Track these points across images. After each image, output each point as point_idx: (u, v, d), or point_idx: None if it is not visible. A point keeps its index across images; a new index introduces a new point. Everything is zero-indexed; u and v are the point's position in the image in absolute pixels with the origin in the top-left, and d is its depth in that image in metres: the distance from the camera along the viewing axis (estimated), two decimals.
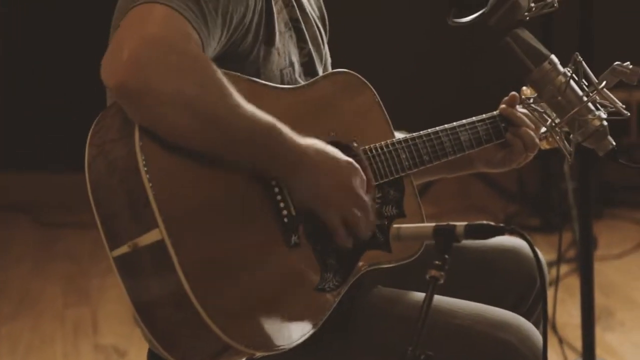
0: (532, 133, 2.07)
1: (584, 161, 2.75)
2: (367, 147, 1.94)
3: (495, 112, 2.10)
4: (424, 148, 2.00)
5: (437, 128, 2.03)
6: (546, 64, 1.80)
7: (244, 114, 1.73)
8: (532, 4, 1.81)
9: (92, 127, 1.76)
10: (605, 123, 1.80)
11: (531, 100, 1.96)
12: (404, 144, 1.98)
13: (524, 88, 2.06)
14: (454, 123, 2.06)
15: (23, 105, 4.73)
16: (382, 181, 1.94)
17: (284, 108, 1.85)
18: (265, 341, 1.75)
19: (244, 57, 1.85)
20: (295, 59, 1.96)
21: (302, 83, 1.94)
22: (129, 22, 1.70)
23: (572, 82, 1.80)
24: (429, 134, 2.02)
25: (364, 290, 1.95)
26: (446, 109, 2.34)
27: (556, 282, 3.14)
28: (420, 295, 1.90)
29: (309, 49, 2.00)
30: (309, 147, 1.79)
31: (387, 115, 2.00)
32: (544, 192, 4.24)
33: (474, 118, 2.08)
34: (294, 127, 1.79)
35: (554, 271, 3.29)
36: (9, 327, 3.66)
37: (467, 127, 2.06)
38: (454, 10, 1.85)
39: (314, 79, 1.95)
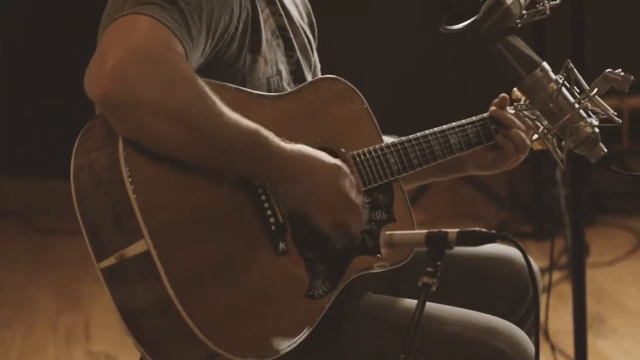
0: (522, 134, 2.07)
1: (576, 168, 2.75)
2: (355, 152, 1.94)
3: (485, 114, 2.10)
4: (413, 152, 2.00)
5: (426, 132, 2.03)
6: (538, 71, 1.80)
7: (227, 122, 1.73)
8: (524, 11, 1.82)
9: (79, 137, 1.77)
10: (597, 130, 1.81)
11: (521, 102, 1.96)
12: (392, 149, 1.98)
13: (515, 90, 2.07)
14: (444, 126, 2.05)
15: (14, 111, 4.72)
16: (371, 186, 1.94)
17: (271, 116, 1.85)
18: (254, 349, 1.75)
19: (230, 65, 1.85)
20: (283, 67, 1.96)
21: (289, 90, 1.94)
22: (112, 34, 1.70)
23: (563, 89, 1.81)
24: (418, 138, 2.02)
25: (354, 297, 1.95)
26: (438, 114, 2.35)
27: (548, 289, 3.14)
28: (411, 302, 1.91)
29: (297, 57, 1.99)
30: (294, 151, 1.79)
31: (376, 121, 2.00)
32: (536, 198, 4.24)
33: (463, 121, 2.08)
34: (281, 135, 1.79)
35: (546, 278, 3.29)
36: (1, 334, 3.65)
37: (457, 129, 2.06)
38: (446, 17, 1.85)
39: (301, 85, 1.95)
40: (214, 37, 1.78)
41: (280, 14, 1.97)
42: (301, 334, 1.80)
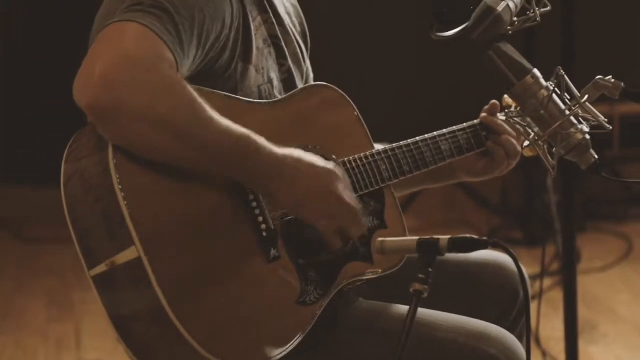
0: (513, 140, 2.07)
1: (567, 175, 2.76)
2: (346, 159, 1.94)
3: (476, 121, 2.11)
4: (404, 159, 2.00)
5: (417, 138, 2.03)
6: (529, 78, 1.81)
7: (217, 128, 1.73)
8: (515, 18, 1.82)
9: (69, 145, 1.77)
10: (587, 137, 1.81)
11: (512, 109, 1.97)
12: (383, 155, 1.98)
13: (505, 96, 2.07)
14: (435, 133, 2.06)
15: (3, 119, 4.71)
16: (362, 193, 1.94)
17: (261, 122, 1.85)
18: (246, 356, 1.75)
19: (221, 73, 1.85)
20: (274, 75, 1.96)
21: (279, 97, 1.94)
22: (102, 41, 1.70)
23: (554, 96, 1.81)
24: (408, 144, 2.02)
25: (346, 303, 1.95)
26: (430, 120, 2.35)
27: (539, 295, 3.14)
28: (403, 308, 1.91)
29: (289, 65, 1.99)
30: (286, 156, 1.79)
31: (367, 129, 2.00)
32: (527, 205, 4.25)
33: (454, 127, 2.08)
34: (271, 141, 1.79)
35: (537, 284, 3.30)
36: None
37: (448, 136, 2.06)
38: (437, 24, 1.86)
39: (292, 92, 1.95)
40: (205, 46, 1.78)
41: (272, 22, 1.97)
42: (293, 341, 1.80)
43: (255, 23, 1.92)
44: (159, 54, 1.69)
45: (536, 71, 1.82)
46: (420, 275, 1.64)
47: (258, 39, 1.92)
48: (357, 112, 1.99)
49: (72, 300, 3.94)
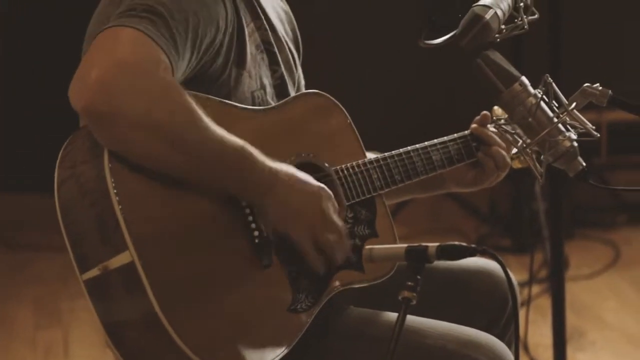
0: (503, 152, 2.08)
1: (554, 182, 2.76)
2: (338, 167, 1.94)
3: (466, 132, 2.11)
4: (395, 168, 2.01)
5: (408, 148, 2.04)
6: (517, 86, 1.81)
7: (212, 137, 1.73)
8: (503, 26, 1.83)
9: (62, 149, 1.76)
10: (575, 144, 1.81)
11: (502, 121, 1.97)
12: (375, 164, 1.99)
13: (495, 107, 2.07)
14: (426, 143, 2.06)
15: None
16: (353, 201, 1.95)
17: (255, 129, 1.85)
18: None
19: (215, 79, 1.85)
20: (267, 81, 1.96)
21: (273, 104, 1.94)
22: (98, 46, 1.70)
23: (542, 103, 1.81)
24: (400, 154, 2.02)
25: (337, 310, 1.95)
26: (423, 128, 2.36)
27: (527, 302, 3.14)
28: (393, 316, 1.91)
29: (282, 71, 2.00)
30: (279, 171, 1.79)
31: (359, 136, 2.00)
32: (515, 212, 4.25)
33: (445, 137, 2.09)
34: (265, 148, 1.79)
35: (525, 291, 3.30)
36: None
37: (439, 146, 2.07)
38: (425, 32, 1.86)
39: (285, 99, 1.95)
40: (200, 50, 1.79)
41: (265, 29, 1.98)
42: (284, 348, 1.80)
43: (249, 29, 1.92)
44: (155, 58, 1.69)
45: (524, 79, 1.82)
46: (409, 283, 1.65)
47: (251, 45, 1.92)
48: (349, 120, 1.99)
49: (60, 308, 3.93)
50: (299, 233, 1.82)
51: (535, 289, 3.74)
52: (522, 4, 1.85)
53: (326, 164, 1.93)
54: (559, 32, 2.69)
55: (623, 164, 4.53)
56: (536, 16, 1.87)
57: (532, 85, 1.82)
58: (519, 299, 2.22)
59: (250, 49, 1.91)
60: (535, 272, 3.81)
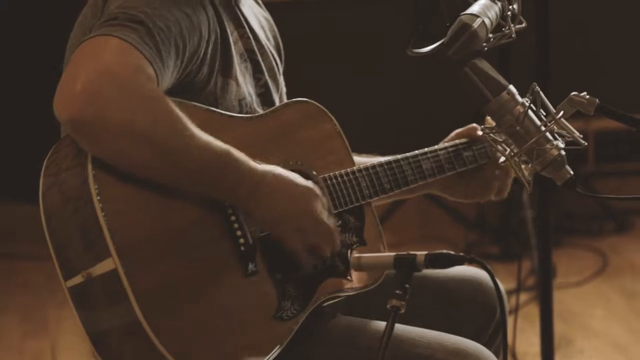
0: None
1: (542, 190, 2.77)
2: (326, 175, 1.94)
3: (457, 141, 2.12)
4: (385, 176, 2.01)
5: (398, 156, 2.04)
6: (504, 94, 1.81)
7: (198, 144, 1.73)
8: (490, 35, 1.83)
9: (47, 157, 1.76)
10: (563, 152, 1.82)
11: (493, 132, 1.97)
12: (364, 172, 1.99)
13: (488, 118, 2.08)
14: (417, 151, 2.07)
15: None
16: (342, 209, 1.95)
17: (242, 137, 1.85)
18: None
19: (201, 88, 1.85)
20: (252, 89, 1.96)
21: (261, 112, 1.94)
22: (82, 55, 1.70)
23: (530, 112, 1.82)
24: (390, 162, 2.03)
25: (324, 319, 1.95)
26: (412, 138, 2.36)
27: (515, 310, 3.15)
28: (381, 324, 1.91)
29: (265, 79, 2.00)
30: (266, 173, 1.79)
31: (348, 144, 2.01)
32: (503, 220, 4.26)
33: (436, 146, 2.10)
34: (252, 156, 1.79)
35: (513, 300, 3.30)
36: None
37: (429, 155, 2.08)
38: (413, 41, 1.86)
39: (274, 107, 1.95)
40: (184, 59, 1.79)
41: (248, 37, 1.98)
42: (269, 356, 1.80)
43: (232, 38, 1.92)
44: (139, 67, 1.69)
45: (512, 87, 1.82)
46: (398, 291, 1.65)
47: (236, 54, 1.92)
48: (337, 127, 2.00)
49: (47, 317, 3.91)
50: (288, 235, 1.82)
51: (523, 297, 3.75)
52: (509, 13, 1.85)
53: (314, 172, 1.93)
54: (547, 41, 2.70)
55: (610, 172, 4.55)
56: (524, 25, 1.87)
57: (519, 93, 1.83)
58: (507, 307, 2.22)
59: (235, 57, 1.91)
60: (523, 280, 3.82)
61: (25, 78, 4.51)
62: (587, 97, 1.85)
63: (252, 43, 1.98)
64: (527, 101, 1.82)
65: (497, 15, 1.83)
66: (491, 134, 1.93)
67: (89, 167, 1.69)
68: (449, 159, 2.09)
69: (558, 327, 3.09)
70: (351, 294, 1.94)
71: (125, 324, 1.68)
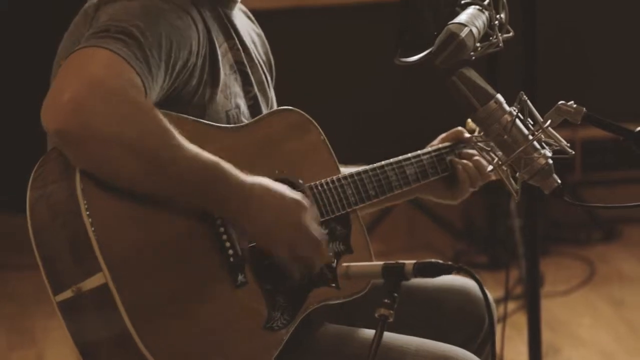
0: (482, 160, 2.10)
1: (530, 199, 2.77)
2: (312, 183, 1.94)
3: (440, 145, 2.13)
4: (370, 183, 2.01)
5: (382, 162, 2.05)
6: (492, 103, 1.81)
7: (186, 155, 1.72)
8: (478, 44, 1.83)
9: (34, 170, 1.75)
10: (550, 161, 1.82)
11: (476, 133, 1.98)
12: (349, 180, 1.99)
13: (469, 120, 2.08)
14: (400, 157, 2.07)
15: None
16: (328, 217, 1.94)
17: (229, 147, 1.85)
18: None
19: (188, 100, 1.85)
20: (241, 101, 1.96)
21: (246, 122, 1.94)
22: (70, 66, 1.69)
23: (517, 121, 1.82)
24: (374, 169, 2.03)
25: (312, 328, 1.95)
26: (397, 144, 2.36)
27: (503, 319, 3.15)
28: (369, 333, 1.90)
29: (255, 92, 2.00)
30: (254, 185, 1.79)
31: (333, 153, 2.01)
32: (491, 229, 4.26)
33: (419, 151, 2.10)
34: (239, 166, 1.79)
35: (501, 308, 3.30)
36: None
37: (413, 160, 2.08)
38: (400, 50, 1.86)
39: (259, 116, 1.95)
40: (173, 73, 1.78)
41: (237, 49, 1.97)
42: None
43: (222, 49, 1.92)
44: (128, 79, 1.68)
45: (499, 96, 1.83)
46: (386, 300, 1.64)
47: (225, 65, 1.92)
48: (322, 135, 2.00)
49: (34, 328, 3.90)
50: (277, 246, 1.82)
51: (511, 305, 3.75)
52: (497, 22, 1.85)
53: (300, 181, 1.93)
54: (534, 50, 2.71)
55: (597, 180, 4.56)
56: (511, 34, 1.87)
57: (507, 102, 1.83)
58: (496, 316, 2.22)
59: (223, 69, 1.91)
60: (511, 289, 3.82)
61: (25, 78, 4.49)
62: (575, 106, 1.86)
63: (241, 55, 1.98)
64: (514, 110, 1.82)
65: (484, 24, 1.84)
66: (479, 143, 1.93)
67: (77, 181, 1.69)
68: (432, 164, 2.09)
69: (546, 336, 3.09)
70: (339, 302, 1.94)
71: (115, 336, 1.68)
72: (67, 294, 1.70)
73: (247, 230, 1.80)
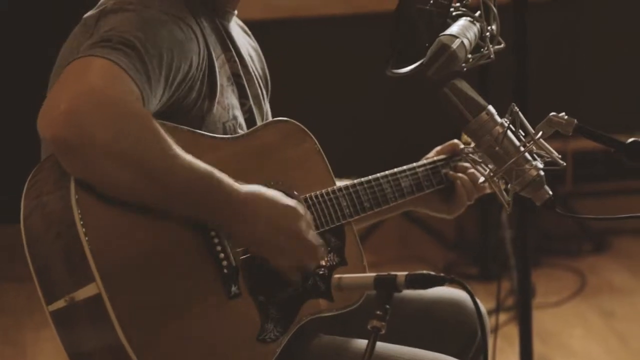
0: (477, 175, 2.10)
1: (521, 210, 2.78)
2: (307, 195, 1.94)
3: (435, 158, 2.13)
4: (364, 195, 2.01)
5: (378, 174, 2.05)
6: (484, 115, 1.82)
7: (181, 165, 1.72)
8: (469, 55, 1.84)
9: (28, 180, 1.75)
10: (542, 173, 1.82)
11: (470, 147, 1.98)
12: (344, 191, 1.99)
13: (464, 134, 2.09)
14: (395, 169, 2.07)
15: None
16: (323, 229, 1.94)
17: (224, 158, 1.85)
18: None
19: (187, 111, 1.85)
20: (238, 113, 1.96)
21: (241, 132, 1.94)
22: (68, 75, 1.69)
23: (509, 132, 1.82)
24: (369, 181, 2.03)
25: (306, 339, 1.94)
26: (392, 156, 2.36)
27: (495, 330, 3.15)
28: (362, 343, 1.90)
29: (250, 105, 2.00)
30: (249, 194, 1.79)
31: (328, 164, 2.01)
32: (482, 241, 4.27)
33: (414, 164, 2.10)
34: (234, 177, 1.78)
35: (492, 320, 3.31)
36: None
37: (408, 172, 2.08)
38: (392, 61, 1.87)
39: (254, 127, 1.95)
40: (172, 86, 1.78)
41: (234, 61, 1.98)
42: None
43: (219, 61, 1.92)
44: (126, 89, 1.68)
45: (491, 108, 1.83)
46: (378, 312, 1.64)
47: (222, 77, 1.92)
48: (317, 146, 2.00)
49: (25, 340, 3.88)
50: (273, 254, 1.82)
51: (503, 317, 3.75)
52: (488, 34, 1.86)
53: (295, 192, 1.93)
54: (525, 61, 2.71)
55: (588, 192, 4.57)
56: (502, 45, 1.88)
57: (499, 114, 1.83)
58: (489, 328, 2.22)
59: (221, 80, 1.91)
60: (503, 300, 3.82)
61: (22, 85, 4.48)
62: (566, 117, 1.86)
63: (238, 67, 1.98)
64: (506, 122, 1.83)
65: (476, 35, 1.84)
66: (470, 154, 1.94)
67: (72, 191, 1.68)
68: (427, 177, 2.09)
69: (537, 347, 3.09)
70: (333, 314, 1.94)
71: (108, 347, 1.67)
72: (60, 303, 1.69)
73: (242, 238, 1.80)
